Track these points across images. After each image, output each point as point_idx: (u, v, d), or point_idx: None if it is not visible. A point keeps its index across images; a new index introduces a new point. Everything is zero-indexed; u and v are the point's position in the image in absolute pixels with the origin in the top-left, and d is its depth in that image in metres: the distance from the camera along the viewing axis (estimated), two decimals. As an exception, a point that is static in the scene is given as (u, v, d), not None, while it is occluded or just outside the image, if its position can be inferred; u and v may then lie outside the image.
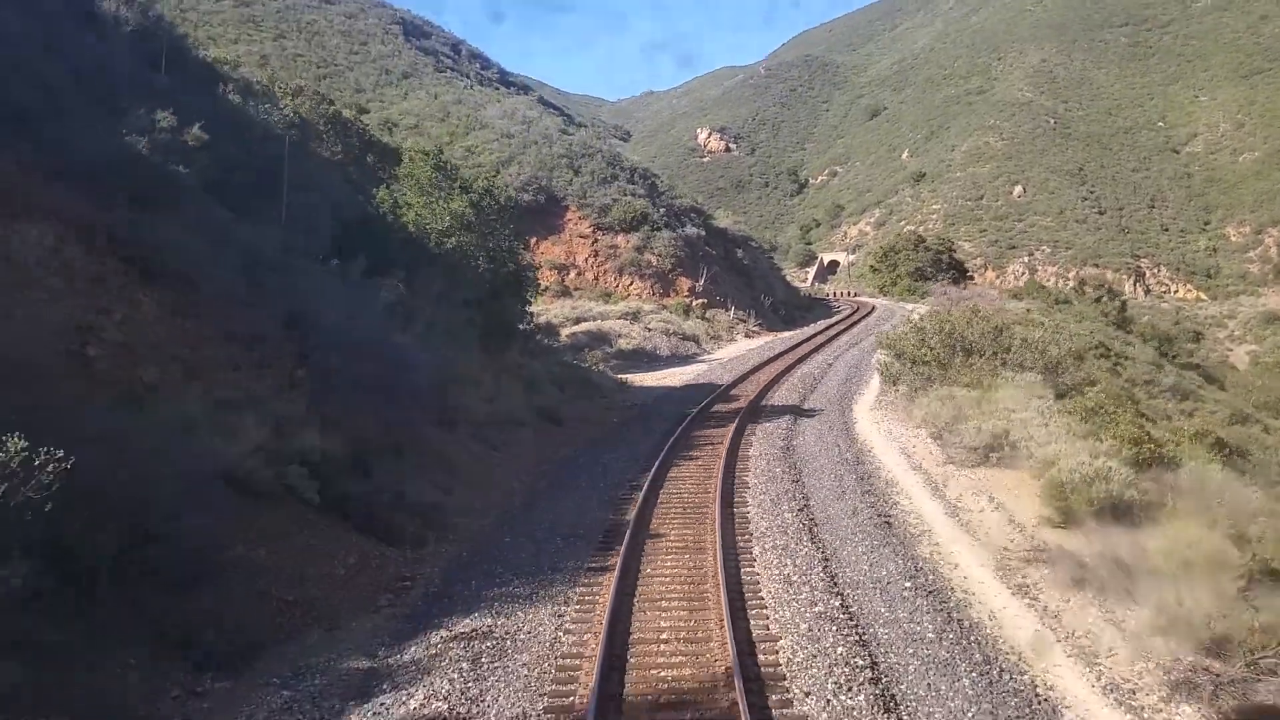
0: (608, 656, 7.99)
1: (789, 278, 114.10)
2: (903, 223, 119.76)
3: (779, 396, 24.39)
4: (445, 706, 7.23)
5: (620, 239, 49.42)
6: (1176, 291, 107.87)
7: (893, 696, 7.44)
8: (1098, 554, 10.45)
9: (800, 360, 33.18)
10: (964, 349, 20.17)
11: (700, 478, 14.87)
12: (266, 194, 17.48)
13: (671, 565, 10.70)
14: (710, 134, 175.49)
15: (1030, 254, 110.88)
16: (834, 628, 8.72)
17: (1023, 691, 7.61)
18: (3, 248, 10.17)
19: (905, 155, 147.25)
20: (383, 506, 12.50)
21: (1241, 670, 7.86)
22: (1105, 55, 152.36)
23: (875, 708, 7.20)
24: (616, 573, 10.05)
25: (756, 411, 21.70)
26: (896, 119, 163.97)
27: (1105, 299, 58.50)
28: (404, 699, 7.42)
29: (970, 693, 7.52)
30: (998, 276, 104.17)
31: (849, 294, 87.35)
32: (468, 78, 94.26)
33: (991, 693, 7.54)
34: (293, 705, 7.64)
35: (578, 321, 39.12)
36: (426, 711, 7.17)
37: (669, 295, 47.92)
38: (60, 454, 7.62)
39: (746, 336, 47.00)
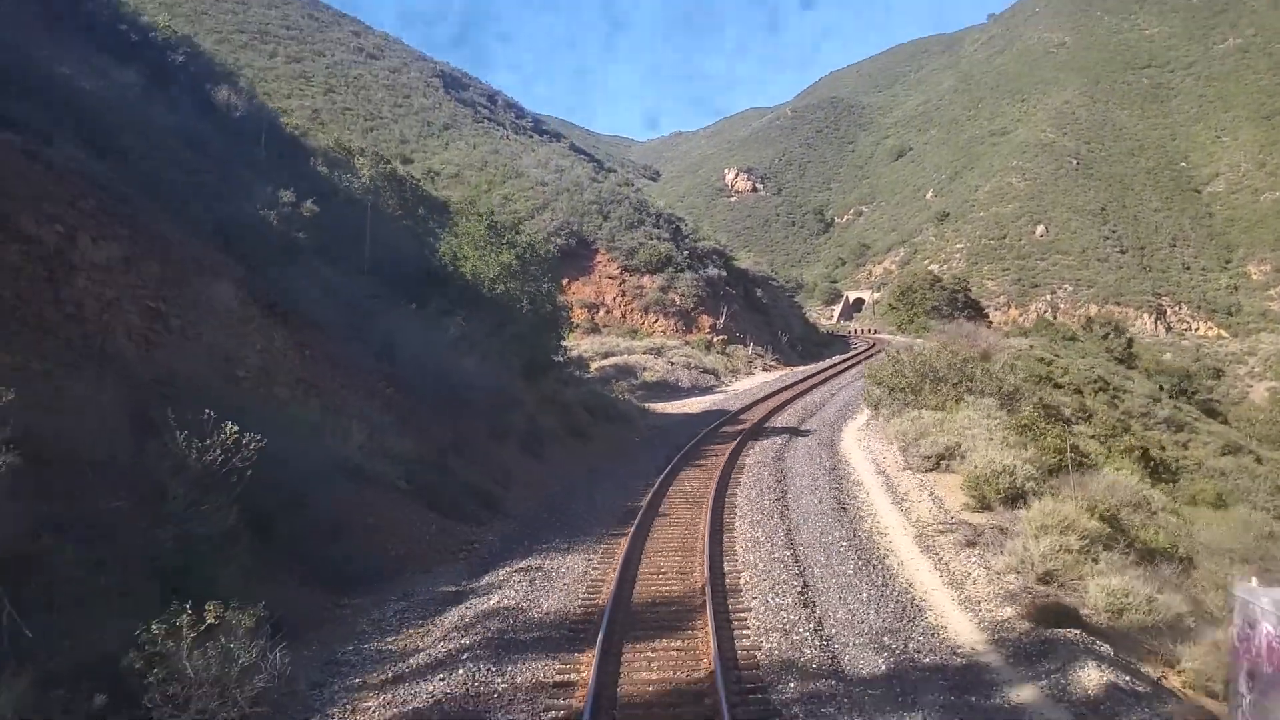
0: (621, 580, 11.62)
1: (815, 315, 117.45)
2: (926, 261, 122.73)
3: (780, 420, 27.95)
4: (513, 603, 10.90)
5: (646, 279, 53.35)
6: (1197, 329, 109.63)
7: (811, 600, 10.95)
8: (988, 524, 13.90)
9: (806, 391, 36.72)
10: (933, 378, 23.62)
11: (702, 478, 18.48)
12: (353, 248, 21.55)
13: (672, 532, 14.32)
14: (737, 174, 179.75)
15: (1052, 292, 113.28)
16: (782, 566, 12.28)
17: (902, 601, 11.09)
18: (202, 297, 14.19)
19: (930, 195, 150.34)
20: (453, 492, 16.28)
21: (1055, 590, 11.26)
22: (1128, 96, 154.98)
23: (797, 604, 10.73)
24: (630, 535, 13.69)
25: (758, 432, 25.28)
26: (921, 159, 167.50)
27: (1111, 336, 61.28)
28: (485, 601, 11.09)
29: (865, 599, 11.02)
30: (1020, 314, 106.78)
31: (869, 331, 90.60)
32: (503, 127, 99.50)
33: (880, 600, 11.03)
34: (407, 610, 11.32)
35: (606, 356, 42.89)
36: (501, 605, 10.84)
37: (691, 332, 51.66)
38: (259, 436, 11.46)
39: (764, 370, 50.53)
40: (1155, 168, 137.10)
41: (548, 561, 12.74)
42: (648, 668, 8.95)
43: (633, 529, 14.07)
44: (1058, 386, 47.47)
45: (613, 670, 8.78)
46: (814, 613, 10.52)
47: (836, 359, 55.38)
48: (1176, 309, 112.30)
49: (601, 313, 52.04)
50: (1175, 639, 10.17)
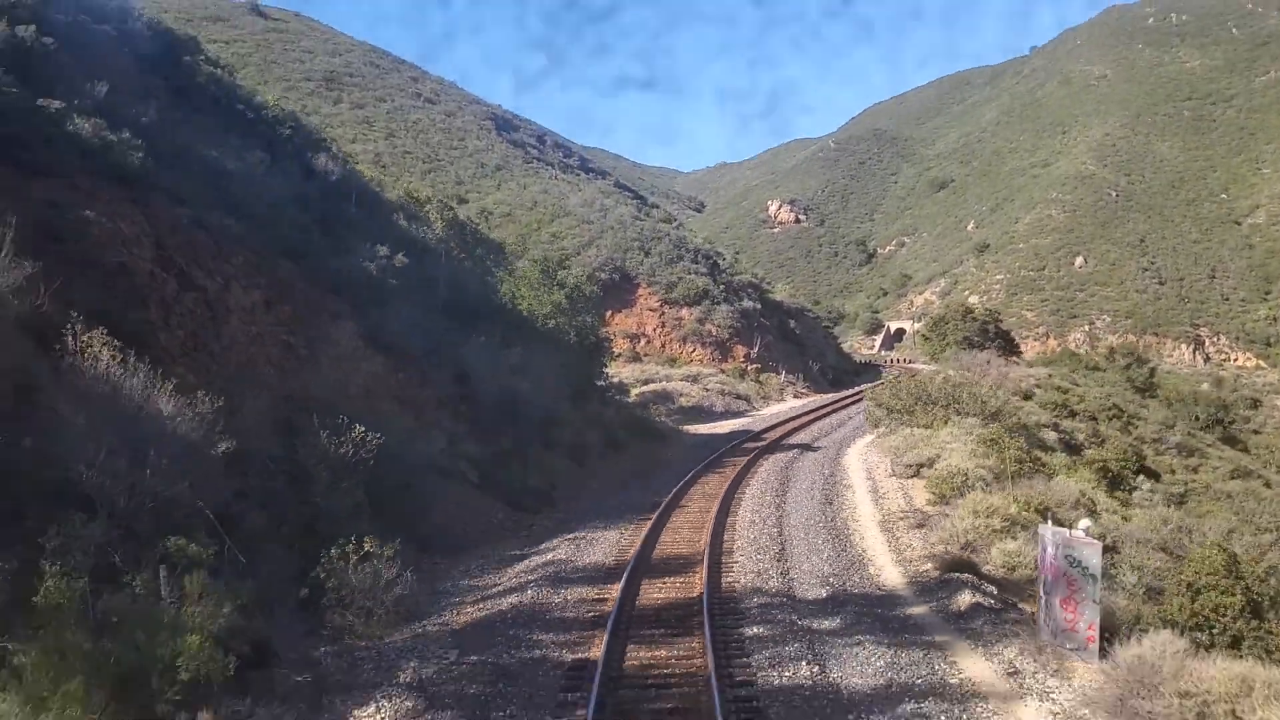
0: (644, 544, 15.49)
1: (856, 345, 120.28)
2: (967, 292, 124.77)
3: (797, 439, 31.60)
4: (564, 558, 14.85)
5: (684, 311, 57.38)
6: (1235, 359, 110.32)
7: (784, 558, 14.69)
8: (939, 513, 17.51)
9: (826, 414, 40.29)
10: (925, 400, 27.13)
11: (718, 482, 22.26)
12: (430, 289, 25.88)
13: (687, 517, 18.15)
14: (780, 205, 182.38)
15: (1090, 323, 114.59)
16: (768, 539, 16.03)
17: (852, 559, 14.77)
18: (322, 332, 18.51)
19: (971, 226, 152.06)
20: (514, 488, 20.34)
21: (969, 554, 14.83)
22: (1169, 129, 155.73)
23: (773, 561, 14.49)
24: (654, 518, 17.56)
25: (774, 448, 28.98)
26: (963, 191, 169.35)
27: (1134, 366, 63.70)
28: (543, 557, 15.05)
29: (825, 558, 14.72)
30: (1059, 344, 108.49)
31: (905, 361, 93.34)
32: (552, 166, 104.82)
33: (836, 559, 14.71)
34: (485, 564, 15.32)
35: (646, 383, 46.84)
36: (555, 559, 14.79)
37: (726, 361, 55.46)
38: (379, 435, 15.62)
39: (794, 397, 54.06)
40: (1195, 199, 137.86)
41: (589, 534, 16.69)
42: (659, 591, 12.82)
43: (656, 515, 17.96)
44: (1073, 414, 50.31)
45: (633, 592, 12.67)
46: (784, 565, 14.30)
47: (864, 387, 58.57)
48: (1215, 339, 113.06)
49: (642, 342, 56.11)
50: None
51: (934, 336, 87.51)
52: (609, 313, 54.16)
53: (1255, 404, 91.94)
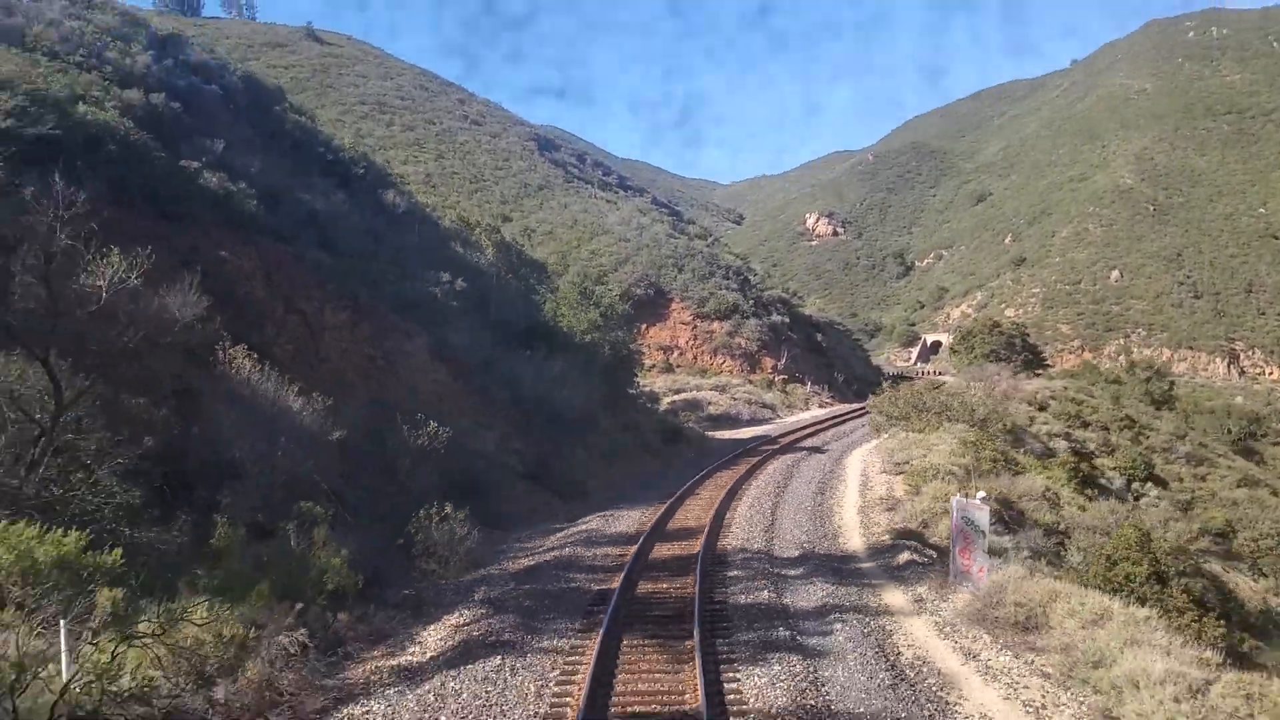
0: (659, 520, 19.17)
1: (891, 357, 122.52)
2: (1003, 305, 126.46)
3: (809, 443, 35.04)
4: (595, 529, 18.61)
5: (715, 325, 60.96)
6: (1271, 373, 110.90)
7: (770, 530, 18.27)
8: (909, 499, 20.98)
9: (842, 422, 43.62)
10: (919, 407, 30.44)
11: (729, 477, 25.81)
12: (483, 308, 29.86)
13: (698, 502, 21.78)
14: (818, 218, 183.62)
15: (1126, 336, 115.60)
16: (761, 517, 19.61)
17: (826, 532, 18.28)
18: (397, 347, 22.54)
19: (1008, 240, 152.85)
20: (555, 480, 24.15)
21: (921, 528, 18.27)
22: (1208, 143, 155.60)
23: (761, 531, 18.06)
24: (669, 503, 21.24)
25: (787, 449, 32.47)
26: (1001, 204, 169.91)
27: (1154, 380, 65.91)
28: (578, 529, 18.82)
29: (804, 530, 18.25)
30: (1094, 358, 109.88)
31: (935, 372, 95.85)
32: (591, 184, 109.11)
33: (813, 531, 18.24)
34: (533, 534, 19.12)
35: (678, 392, 50.47)
36: (588, 529, 18.55)
37: (755, 372, 58.91)
38: (448, 429, 19.51)
39: (819, 406, 57.32)
40: (1233, 213, 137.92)
41: (616, 513, 20.45)
42: (667, 550, 16.50)
43: (672, 499, 21.66)
44: (1085, 424, 53.02)
45: (647, 550, 16.37)
46: (769, 535, 17.90)
47: (887, 397, 61.73)
48: (1250, 353, 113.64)
49: (675, 354, 59.78)
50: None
51: (962, 349, 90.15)
52: (644, 326, 57.94)
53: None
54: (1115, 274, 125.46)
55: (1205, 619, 16.81)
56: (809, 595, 13.43)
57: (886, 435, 31.06)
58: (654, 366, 53.76)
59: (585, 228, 77.67)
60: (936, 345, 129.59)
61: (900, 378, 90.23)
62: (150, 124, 22.62)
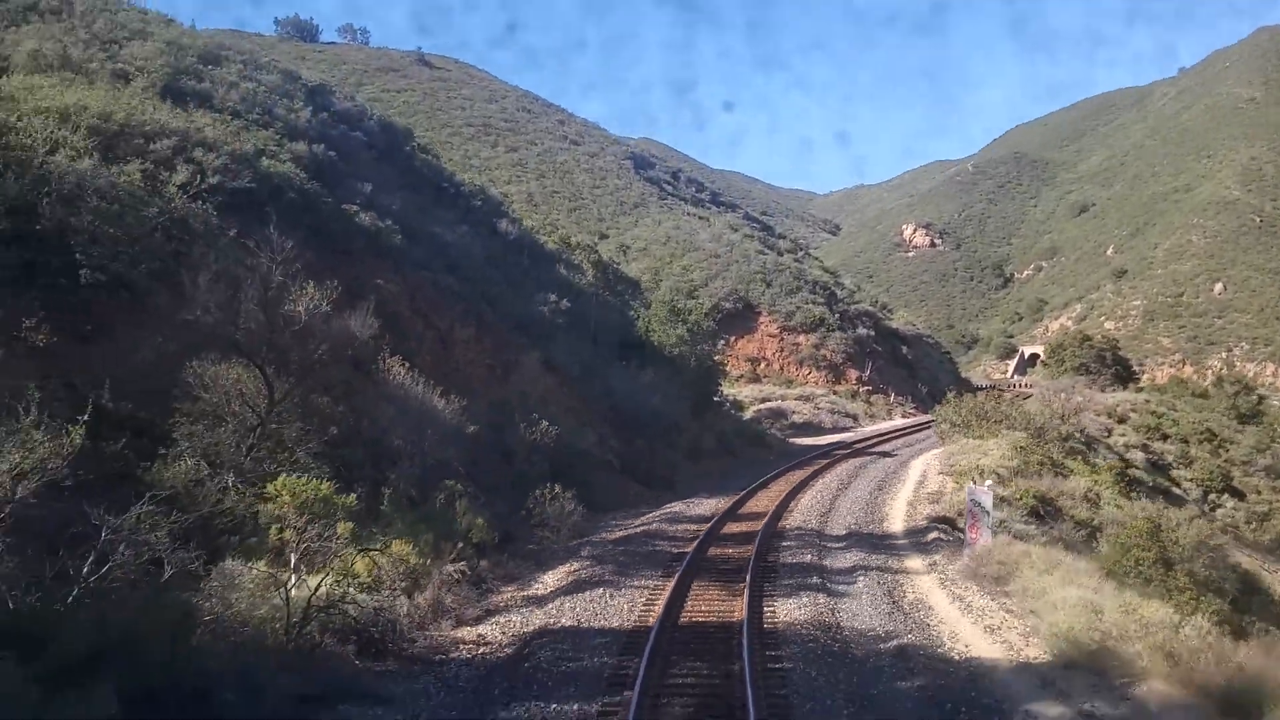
0: (732, 506, 22.75)
1: (987, 369, 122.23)
2: (1103, 318, 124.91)
3: (881, 448, 37.96)
4: (678, 511, 22.35)
5: (801, 338, 63.92)
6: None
7: (825, 516, 21.61)
8: (951, 491, 23.98)
9: (917, 430, 46.18)
10: (981, 416, 33.10)
11: (799, 475, 29.09)
12: (584, 324, 33.96)
13: (768, 494, 25.22)
14: (915, 229, 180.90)
15: (1228, 350, 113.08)
16: (821, 506, 22.95)
17: (874, 518, 21.49)
18: (513, 359, 26.80)
19: (1110, 251, 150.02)
20: (645, 474, 27.99)
21: (955, 515, 21.30)
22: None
23: (818, 517, 21.40)
24: (742, 494, 24.78)
25: (858, 453, 35.51)
26: (1104, 215, 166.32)
27: (1241, 394, 65.86)
28: (663, 511, 22.58)
29: (856, 516, 21.52)
30: (1195, 372, 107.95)
31: (1027, 385, 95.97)
32: (684, 201, 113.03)
33: (863, 518, 21.48)
34: (626, 516, 22.96)
35: (763, 401, 53.68)
36: (671, 512, 22.28)
37: (840, 383, 61.63)
38: (556, 427, 23.52)
39: (901, 417, 59.68)
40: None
41: (696, 500, 24.17)
42: (735, 527, 20.09)
43: (745, 491, 25.22)
44: (1165, 437, 54.12)
45: (719, 528, 19.99)
46: (824, 519, 21.29)
47: (968, 409, 63.57)
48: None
49: (762, 365, 62.97)
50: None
51: (1053, 363, 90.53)
52: (732, 338, 61.38)
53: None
54: (1219, 286, 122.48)
55: (1203, 598, 19.44)
56: (844, 559, 16.84)
57: (950, 442, 33.83)
58: (741, 376, 57.13)
59: (678, 244, 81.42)
60: (1034, 358, 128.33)
61: (988, 389, 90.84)
62: (315, 171, 27.43)
